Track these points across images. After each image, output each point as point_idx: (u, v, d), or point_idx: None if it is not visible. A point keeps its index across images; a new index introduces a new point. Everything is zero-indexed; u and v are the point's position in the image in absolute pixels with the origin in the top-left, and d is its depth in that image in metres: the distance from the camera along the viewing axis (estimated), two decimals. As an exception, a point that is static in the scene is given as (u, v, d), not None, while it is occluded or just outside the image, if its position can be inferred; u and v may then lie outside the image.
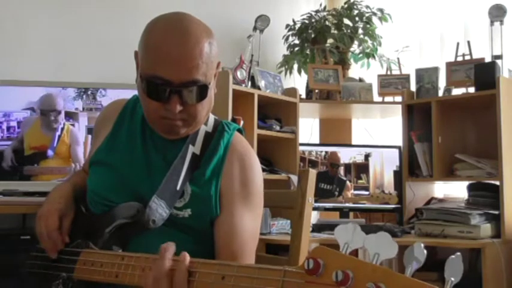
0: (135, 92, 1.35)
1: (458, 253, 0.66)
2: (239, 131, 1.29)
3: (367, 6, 3.46)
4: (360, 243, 0.70)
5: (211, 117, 1.27)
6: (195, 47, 1.08)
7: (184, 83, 1.08)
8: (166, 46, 1.07)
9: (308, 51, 3.40)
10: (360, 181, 3.15)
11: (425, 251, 0.66)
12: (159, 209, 1.12)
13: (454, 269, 0.65)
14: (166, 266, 0.88)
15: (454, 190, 3.14)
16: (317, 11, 3.54)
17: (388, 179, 3.14)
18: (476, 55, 2.97)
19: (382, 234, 0.68)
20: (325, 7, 3.67)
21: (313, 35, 3.41)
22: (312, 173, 1.42)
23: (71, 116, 2.30)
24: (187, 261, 0.88)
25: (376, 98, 3.26)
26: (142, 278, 0.94)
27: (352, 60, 3.50)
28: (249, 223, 1.17)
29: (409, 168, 3.02)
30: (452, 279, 0.65)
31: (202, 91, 1.11)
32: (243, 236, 1.15)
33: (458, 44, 3.06)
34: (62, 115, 2.28)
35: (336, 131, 3.57)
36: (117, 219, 1.12)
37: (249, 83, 2.94)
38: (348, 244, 0.70)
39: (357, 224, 0.71)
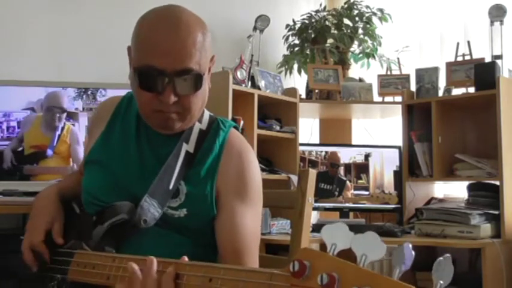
0: (134, 91, 1.34)
1: (448, 255, 0.64)
2: (235, 128, 1.26)
3: (367, 6, 3.45)
4: (347, 243, 0.67)
5: (206, 114, 1.25)
6: (187, 35, 1.07)
7: (178, 71, 1.06)
8: (158, 35, 1.06)
9: (308, 51, 3.40)
10: (360, 181, 3.15)
11: (413, 252, 0.64)
12: (151, 209, 1.10)
13: (443, 271, 0.63)
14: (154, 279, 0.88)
15: (454, 190, 3.14)
16: (317, 11, 3.53)
17: (388, 179, 3.14)
18: (476, 55, 2.96)
19: (369, 234, 0.66)
20: (325, 7, 3.67)
21: (313, 35, 3.41)
22: (312, 173, 1.42)
23: (71, 116, 2.29)
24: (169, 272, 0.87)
25: (376, 98, 3.26)
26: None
27: (352, 60, 3.50)
28: (250, 220, 1.16)
29: (409, 168, 3.02)
30: (441, 282, 0.62)
31: (197, 80, 1.09)
32: (245, 233, 1.13)
33: (458, 44, 3.06)
34: (65, 114, 2.28)
35: (336, 131, 3.56)
36: (107, 220, 1.10)
37: (249, 83, 2.94)
38: (336, 245, 0.68)
39: (344, 224, 0.68)
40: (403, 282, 0.61)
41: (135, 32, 1.12)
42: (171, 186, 1.12)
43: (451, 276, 0.62)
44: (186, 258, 0.89)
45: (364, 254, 0.65)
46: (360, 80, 3.38)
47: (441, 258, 0.63)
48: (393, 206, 2.98)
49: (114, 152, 1.21)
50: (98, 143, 1.24)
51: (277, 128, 3.05)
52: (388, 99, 3.26)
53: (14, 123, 2.25)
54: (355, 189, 3.14)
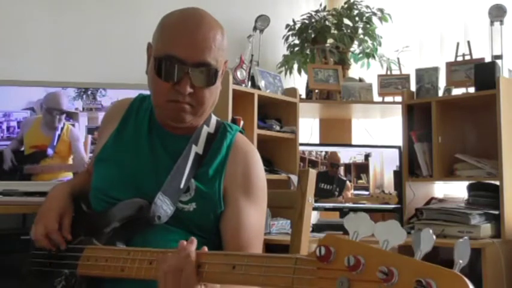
0: (136, 92, 1.37)
1: (466, 237, 0.68)
2: (240, 132, 1.31)
3: (367, 6, 3.45)
4: (369, 231, 0.72)
5: (213, 119, 1.29)
6: (209, 31, 1.15)
7: (196, 63, 1.12)
8: (182, 28, 1.13)
9: (308, 51, 3.40)
10: (360, 181, 3.15)
11: (434, 236, 0.69)
12: (163, 206, 1.13)
13: (462, 252, 0.68)
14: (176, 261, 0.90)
15: (454, 190, 3.14)
16: (317, 11, 3.53)
17: (388, 179, 3.14)
18: (476, 55, 2.97)
19: (390, 222, 0.71)
20: (325, 7, 3.67)
21: (313, 35, 3.41)
22: (312, 173, 1.42)
23: (71, 116, 2.29)
24: (192, 256, 0.90)
25: (376, 98, 3.26)
26: (154, 270, 0.95)
27: (352, 60, 3.50)
28: (254, 217, 1.20)
29: (409, 168, 3.02)
30: (461, 261, 0.67)
31: (212, 75, 1.15)
32: (249, 230, 1.18)
33: (458, 44, 3.06)
34: (64, 115, 2.28)
35: (336, 131, 3.56)
36: (120, 216, 1.13)
37: (249, 83, 2.94)
38: (358, 232, 0.72)
39: (365, 213, 0.73)
40: (426, 262, 0.66)
41: (160, 26, 1.19)
42: (182, 185, 1.16)
43: (469, 256, 0.68)
44: (205, 249, 0.92)
45: (386, 240, 0.70)
46: (360, 80, 3.38)
47: (460, 240, 0.68)
48: (393, 206, 2.98)
49: (127, 150, 1.24)
50: (110, 141, 1.27)
51: (277, 128, 3.05)
52: (388, 99, 3.26)
53: (14, 123, 2.25)
54: (355, 189, 3.14)
